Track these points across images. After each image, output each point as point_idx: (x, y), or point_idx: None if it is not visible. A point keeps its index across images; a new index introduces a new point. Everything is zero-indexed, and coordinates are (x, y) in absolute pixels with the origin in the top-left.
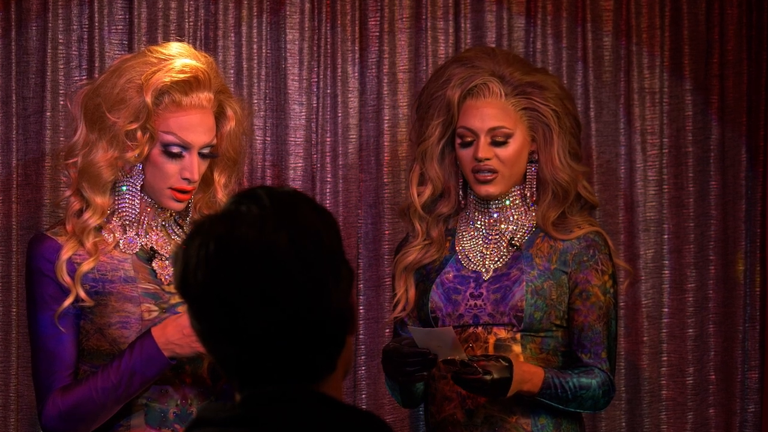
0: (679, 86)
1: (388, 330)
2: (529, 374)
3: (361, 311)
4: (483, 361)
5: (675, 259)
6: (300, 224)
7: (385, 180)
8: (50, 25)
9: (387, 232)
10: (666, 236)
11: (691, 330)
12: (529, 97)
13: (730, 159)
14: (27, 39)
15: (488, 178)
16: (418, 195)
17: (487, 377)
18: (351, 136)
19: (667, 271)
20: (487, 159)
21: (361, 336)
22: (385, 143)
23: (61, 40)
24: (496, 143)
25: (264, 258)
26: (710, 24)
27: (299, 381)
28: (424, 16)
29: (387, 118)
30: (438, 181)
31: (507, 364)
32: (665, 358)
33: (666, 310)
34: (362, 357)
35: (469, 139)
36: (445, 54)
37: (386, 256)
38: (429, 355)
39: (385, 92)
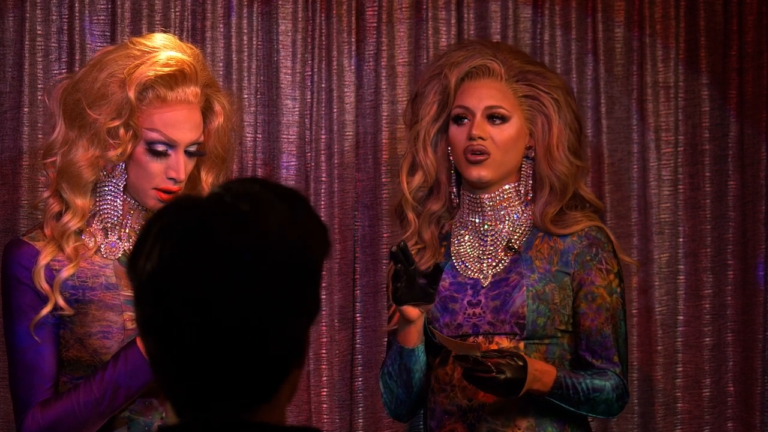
0: (695, 80)
1: (386, 339)
2: (540, 373)
3: (357, 319)
4: (497, 359)
5: (691, 263)
6: (273, 236)
7: (383, 180)
8: (28, 15)
9: (385, 234)
10: (681, 239)
11: (708, 339)
12: (530, 84)
13: (749, 157)
14: (3, 30)
15: (479, 158)
16: (407, 183)
17: (501, 376)
18: (347, 133)
19: (682, 277)
20: (482, 138)
21: (358, 345)
22: (383, 141)
23: (39, 32)
24: (492, 119)
25: (223, 262)
26: (728, 14)
27: (234, 406)
28: (424, 6)
29: (385, 114)
30: (431, 167)
31: (522, 364)
32: (680, 369)
33: (681, 317)
34: (359, 368)
35: (463, 116)
36: (447, 46)
37: (384, 260)
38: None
39: (383, 87)
